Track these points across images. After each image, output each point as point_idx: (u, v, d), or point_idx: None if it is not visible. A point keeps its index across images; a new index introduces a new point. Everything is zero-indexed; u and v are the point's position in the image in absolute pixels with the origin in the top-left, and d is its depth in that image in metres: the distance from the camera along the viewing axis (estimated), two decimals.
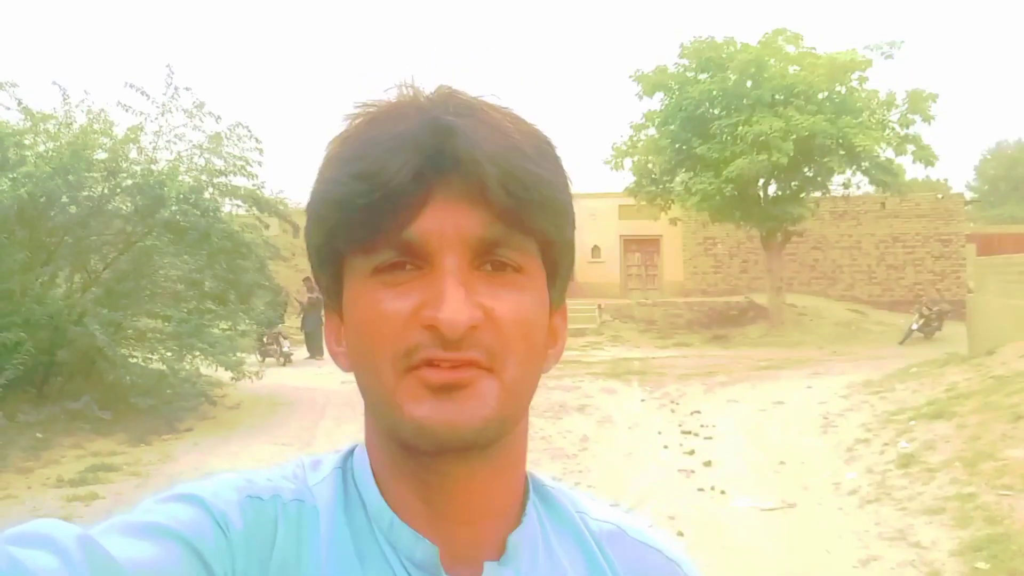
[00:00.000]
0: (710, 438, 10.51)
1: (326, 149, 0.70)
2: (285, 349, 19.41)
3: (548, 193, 0.67)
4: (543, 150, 0.69)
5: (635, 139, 24.14)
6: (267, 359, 18.37)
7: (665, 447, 10.06)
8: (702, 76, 22.62)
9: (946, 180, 75.26)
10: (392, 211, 0.65)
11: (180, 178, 13.14)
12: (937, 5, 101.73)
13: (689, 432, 10.88)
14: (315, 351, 19.89)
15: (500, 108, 0.70)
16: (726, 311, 25.74)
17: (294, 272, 18.48)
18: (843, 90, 21.82)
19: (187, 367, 13.01)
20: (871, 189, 24.71)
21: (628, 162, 24.17)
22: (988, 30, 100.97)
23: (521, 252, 0.68)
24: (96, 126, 13.26)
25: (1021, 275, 15.40)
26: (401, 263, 0.66)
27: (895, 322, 24.50)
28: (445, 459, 0.69)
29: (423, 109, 0.67)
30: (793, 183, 22.96)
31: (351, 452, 0.76)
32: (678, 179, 23.70)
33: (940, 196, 29.99)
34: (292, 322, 21.33)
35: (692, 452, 9.74)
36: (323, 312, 0.77)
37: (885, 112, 22.14)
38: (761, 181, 22.67)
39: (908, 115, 21.99)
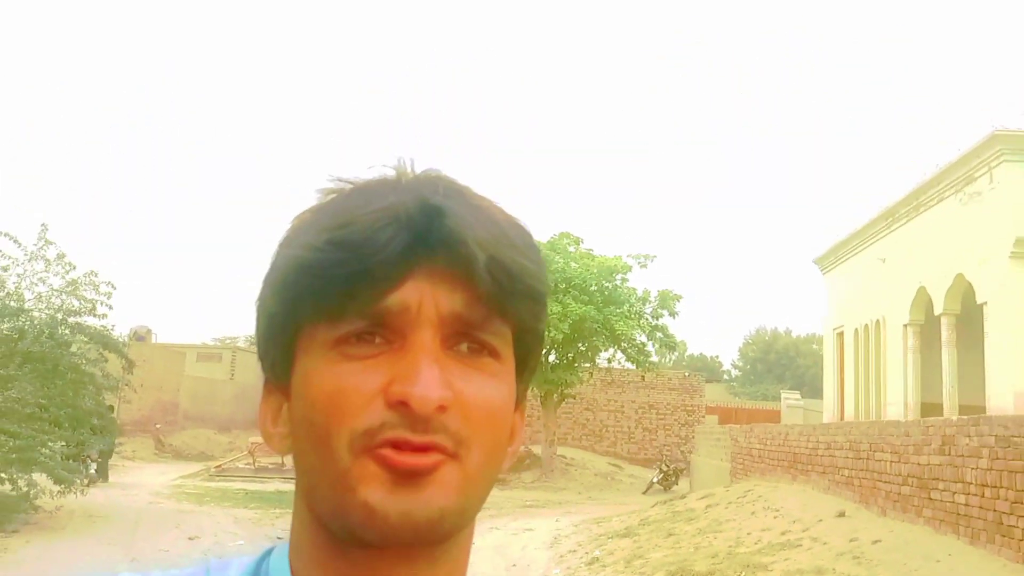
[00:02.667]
0: None
1: (294, 220, 0.67)
2: (92, 471, 21.16)
3: (530, 283, 0.65)
4: (527, 240, 0.67)
5: None
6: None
7: None
8: None
9: (717, 356, 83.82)
10: (371, 283, 0.61)
11: (36, 315, 15.71)
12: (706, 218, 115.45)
13: None
14: (103, 475, 21.69)
15: (483, 196, 0.68)
16: None
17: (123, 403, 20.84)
18: (609, 286, 26.62)
19: (21, 480, 15.12)
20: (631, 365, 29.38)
21: None
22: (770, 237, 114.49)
23: (498, 337, 0.64)
24: None
25: (718, 441, 19.87)
26: (369, 336, 0.62)
27: (645, 476, 28.68)
28: (388, 558, 0.62)
29: (410, 187, 0.64)
30: (568, 354, 27.25)
31: (268, 553, 0.69)
32: None
33: (686, 374, 35.48)
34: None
35: None
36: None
37: (641, 306, 27.09)
38: (544, 351, 26.87)
39: (658, 309, 27.07)
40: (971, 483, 8.11)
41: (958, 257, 15.03)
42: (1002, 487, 7.57)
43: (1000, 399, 13.37)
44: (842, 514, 10.45)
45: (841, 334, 21.52)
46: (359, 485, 0.59)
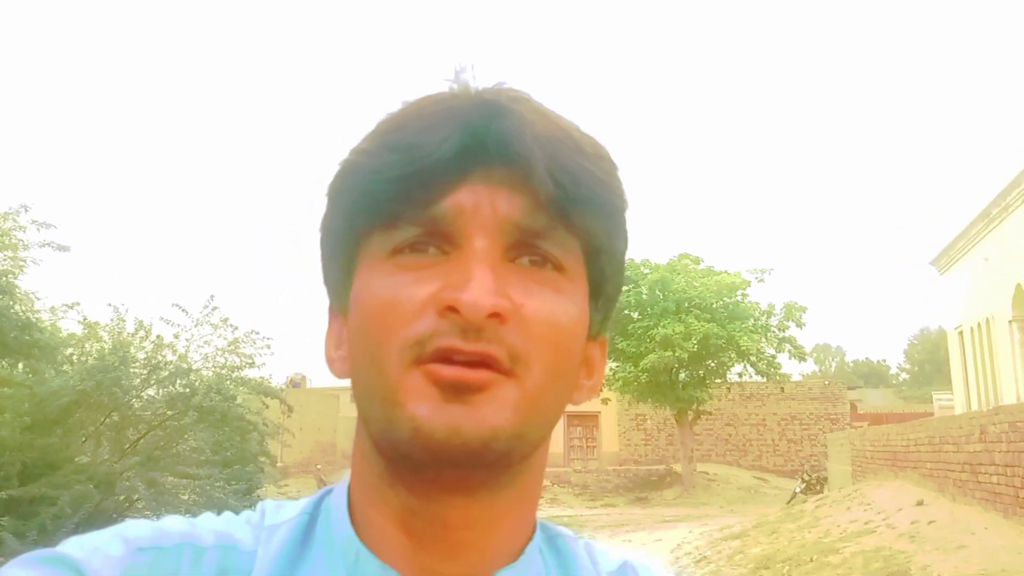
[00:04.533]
0: None
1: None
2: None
3: (600, 192, 0.60)
4: (600, 152, 0.63)
5: None
6: None
7: None
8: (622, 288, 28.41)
9: (884, 360, 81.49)
10: (424, 184, 0.58)
11: (204, 373, 18.14)
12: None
13: None
14: None
15: (557, 111, 0.63)
16: (648, 477, 30.17)
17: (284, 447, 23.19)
18: (731, 302, 27.34)
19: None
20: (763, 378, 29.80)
21: None
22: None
23: (564, 250, 0.60)
24: (140, 333, 18.29)
25: (842, 447, 20.33)
26: (424, 245, 0.59)
27: (790, 487, 28.94)
28: (444, 483, 0.59)
29: (472, 93, 0.61)
30: (699, 372, 28.05)
31: (329, 491, 0.67)
32: (607, 368, 28.88)
33: (827, 383, 35.42)
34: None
35: None
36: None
37: (766, 319, 27.64)
38: (673, 370, 27.77)
39: (784, 321, 27.54)
40: (999, 465, 8.82)
41: None
42: (1018, 466, 8.30)
43: None
44: (921, 503, 11.11)
45: (961, 333, 21.61)
46: (408, 400, 0.56)
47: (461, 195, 0.59)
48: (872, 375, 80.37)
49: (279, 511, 0.66)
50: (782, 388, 33.54)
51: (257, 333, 19.12)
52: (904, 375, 79.95)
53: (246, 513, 0.66)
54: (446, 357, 0.56)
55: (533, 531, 0.66)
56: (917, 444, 12.64)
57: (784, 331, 27.79)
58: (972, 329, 20.27)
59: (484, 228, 0.59)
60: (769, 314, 27.93)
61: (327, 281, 0.67)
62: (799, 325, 27.63)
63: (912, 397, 59.38)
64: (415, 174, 0.58)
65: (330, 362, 0.66)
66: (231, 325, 18.97)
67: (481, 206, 0.59)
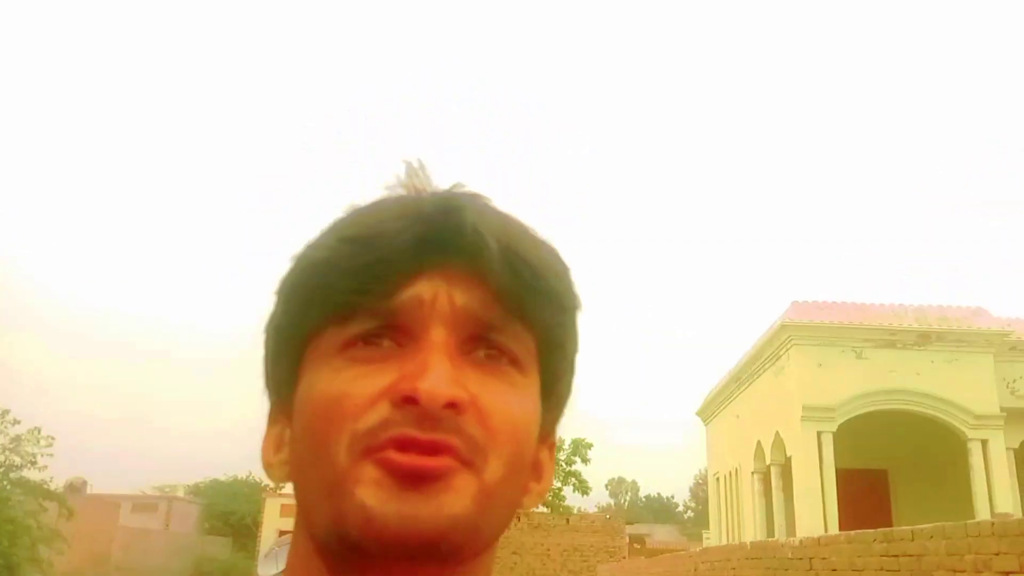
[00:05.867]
0: None
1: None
2: None
3: (555, 286, 0.61)
4: (554, 251, 0.63)
5: None
6: None
7: None
8: None
9: (673, 497, 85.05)
10: (382, 276, 0.57)
11: None
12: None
13: None
14: None
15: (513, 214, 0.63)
16: None
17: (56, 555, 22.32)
18: None
19: None
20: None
21: None
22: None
23: (520, 344, 0.60)
24: None
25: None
26: (378, 337, 0.58)
27: None
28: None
29: (428, 192, 0.62)
30: None
31: None
32: None
33: (608, 517, 37.49)
34: None
35: None
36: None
37: (556, 453, 29.22)
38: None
39: (571, 456, 29.24)
40: None
41: (777, 418, 17.75)
42: None
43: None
44: None
45: (718, 478, 24.14)
46: (357, 488, 0.54)
47: (420, 287, 0.58)
48: (662, 511, 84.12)
49: None
50: (567, 520, 35.18)
51: (40, 431, 18.83)
52: (690, 512, 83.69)
53: None
54: (401, 446, 0.54)
55: None
56: None
57: (571, 465, 29.46)
58: (725, 476, 22.74)
59: (442, 320, 0.58)
60: (558, 448, 29.51)
61: (269, 383, 0.65)
62: (584, 461, 29.42)
63: (694, 535, 62.42)
64: (373, 264, 0.58)
65: (268, 468, 0.64)
66: (12, 419, 18.57)
67: (439, 298, 0.58)
